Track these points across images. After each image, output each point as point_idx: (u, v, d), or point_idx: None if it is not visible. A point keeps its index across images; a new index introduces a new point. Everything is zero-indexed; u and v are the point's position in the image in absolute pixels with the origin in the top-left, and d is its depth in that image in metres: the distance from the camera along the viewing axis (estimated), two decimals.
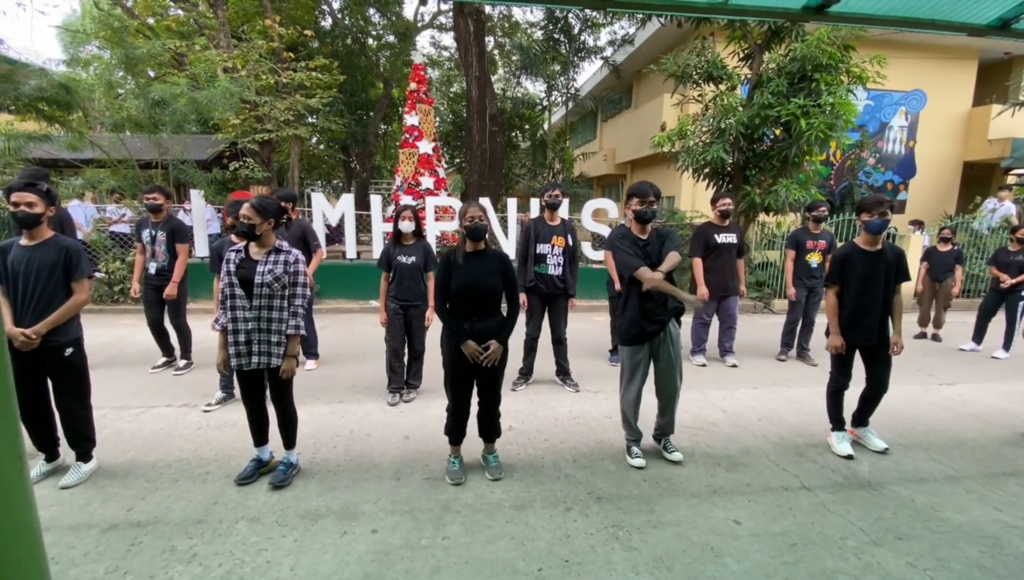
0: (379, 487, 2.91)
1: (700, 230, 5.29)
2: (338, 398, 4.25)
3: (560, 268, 4.36)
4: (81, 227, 8.54)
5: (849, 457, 3.36)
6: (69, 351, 2.82)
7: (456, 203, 8.67)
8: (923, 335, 6.81)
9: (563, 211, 8.18)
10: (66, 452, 3.01)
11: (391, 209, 9.99)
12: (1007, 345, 5.96)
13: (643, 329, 3.05)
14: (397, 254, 4.04)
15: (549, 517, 2.65)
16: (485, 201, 8.15)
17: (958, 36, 2.62)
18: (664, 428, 3.34)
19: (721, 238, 5.14)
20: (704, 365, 5.31)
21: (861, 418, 3.55)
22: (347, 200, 8.17)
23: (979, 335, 6.18)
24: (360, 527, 2.54)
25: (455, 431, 3.04)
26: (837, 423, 3.52)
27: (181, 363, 4.90)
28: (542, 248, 4.35)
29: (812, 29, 7.42)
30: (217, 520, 2.57)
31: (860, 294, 3.28)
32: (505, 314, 3.00)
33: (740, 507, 2.78)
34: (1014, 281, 5.82)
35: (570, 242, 4.39)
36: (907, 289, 7.70)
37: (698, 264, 5.16)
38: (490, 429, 3.10)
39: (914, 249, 8.28)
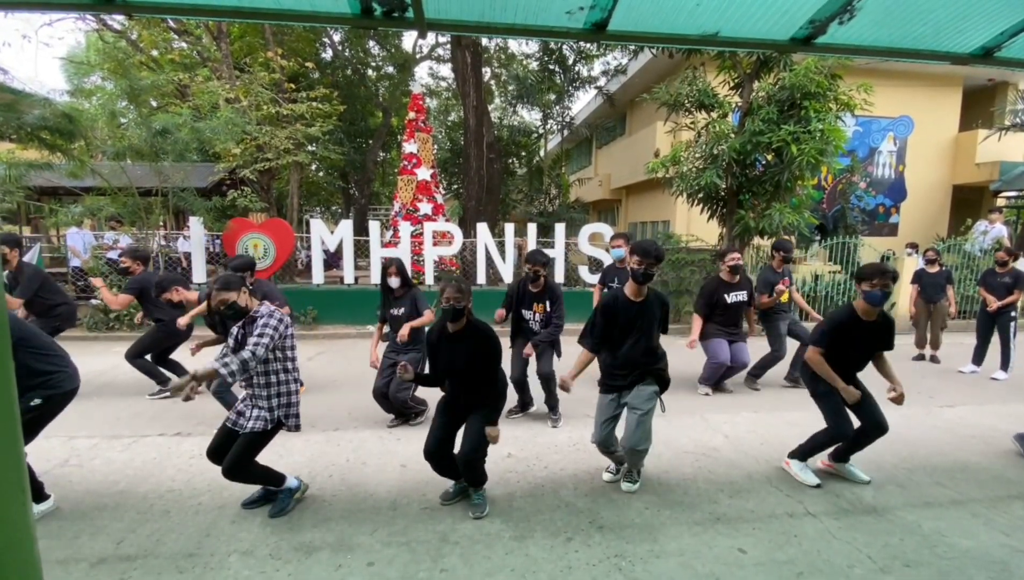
0: (375, 518, 2.85)
1: (709, 288, 5.13)
2: (334, 426, 4.19)
3: (538, 325, 4.37)
4: (79, 254, 8.55)
5: (818, 486, 3.25)
6: (37, 402, 2.67)
7: (455, 229, 8.73)
8: (921, 357, 6.80)
9: (559, 236, 8.33)
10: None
11: (390, 234, 10.08)
12: (1005, 366, 5.96)
13: (610, 382, 3.12)
14: (389, 307, 4.16)
15: (550, 548, 2.59)
16: (481, 226, 8.23)
17: (942, 64, 2.70)
18: (628, 467, 3.24)
19: (732, 298, 5.00)
20: (708, 394, 5.16)
21: (846, 455, 3.38)
22: (345, 226, 8.23)
23: (978, 357, 6.18)
24: (356, 560, 2.48)
25: (440, 473, 3.00)
26: (804, 456, 3.36)
27: (156, 389, 4.89)
28: (525, 313, 4.36)
29: (800, 59, 7.64)
30: (209, 553, 2.50)
31: (847, 358, 3.17)
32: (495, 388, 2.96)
33: (744, 535, 2.73)
34: (1000, 303, 5.86)
35: (548, 308, 4.37)
36: (902, 310, 7.75)
37: (697, 322, 5.11)
38: (470, 476, 2.91)
39: (908, 271, 8.34)
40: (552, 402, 4.47)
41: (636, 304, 3.01)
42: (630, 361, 3.03)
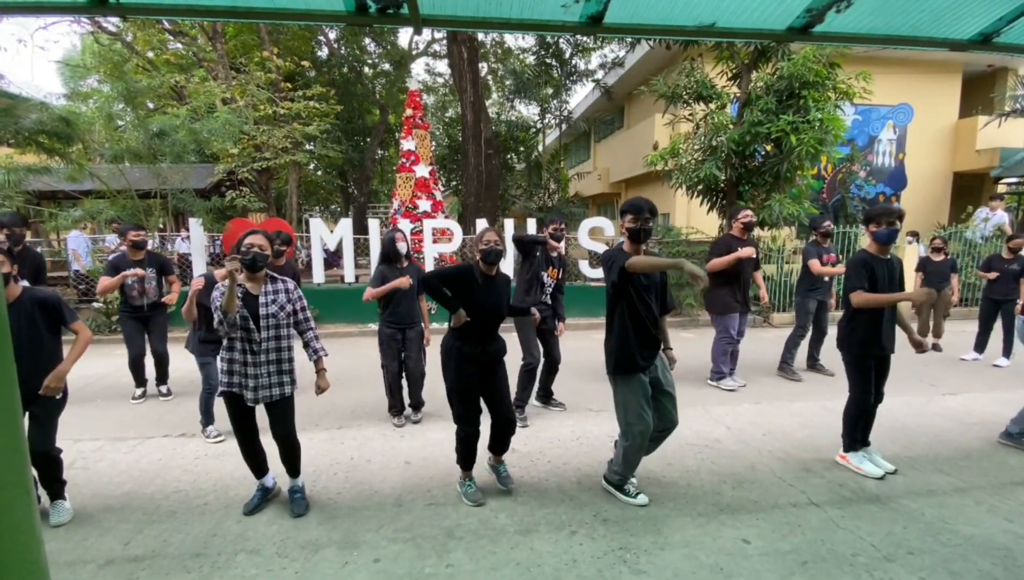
0: (381, 514, 2.86)
1: (723, 242, 5.05)
2: (337, 424, 4.20)
3: (549, 297, 4.34)
4: (79, 257, 8.56)
5: (882, 477, 3.21)
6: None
7: (454, 225, 8.73)
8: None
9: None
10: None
11: (388, 231, 10.07)
12: (1007, 353, 5.95)
13: (641, 353, 2.80)
14: (392, 277, 4.03)
15: (555, 541, 2.61)
16: (481, 222, 8.21)
17: (941, 51, 2.68)
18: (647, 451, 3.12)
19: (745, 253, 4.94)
20: (733, 389, 5.01)
21: (863, 437, 3.41)
22: (345, 225, 8.23)
23: (980, 345, 6.17)
24: (362, 556, 2.49)
25: (469, 455, 2.98)
26: (856, 441, 3.35)
27: (163, 389, 4.94)
28: (542, 275, 4.30)
29: (798, 48, 7.61)
30: (216, 553, 2.52)
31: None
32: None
33: (748, 525, 2.74)
34: (988, 275, 6.00)
35: (560, 275, 4.39)
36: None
37: (719, 263, 4.91)
38: (505, 443, 3.07)
39: (910, 260, 8.33)
40: (550, 390, 4.51)
41: None
42: (653, 324, 2.83)
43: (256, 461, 2.91)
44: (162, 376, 4.97)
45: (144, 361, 4.91)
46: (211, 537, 2.65)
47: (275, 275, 2.83)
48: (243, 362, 2.70)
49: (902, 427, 4.06)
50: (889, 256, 3.26)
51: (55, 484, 2.81)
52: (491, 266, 2.94)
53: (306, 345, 2.92)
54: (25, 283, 3.15)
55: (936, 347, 6.70)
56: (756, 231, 8.27)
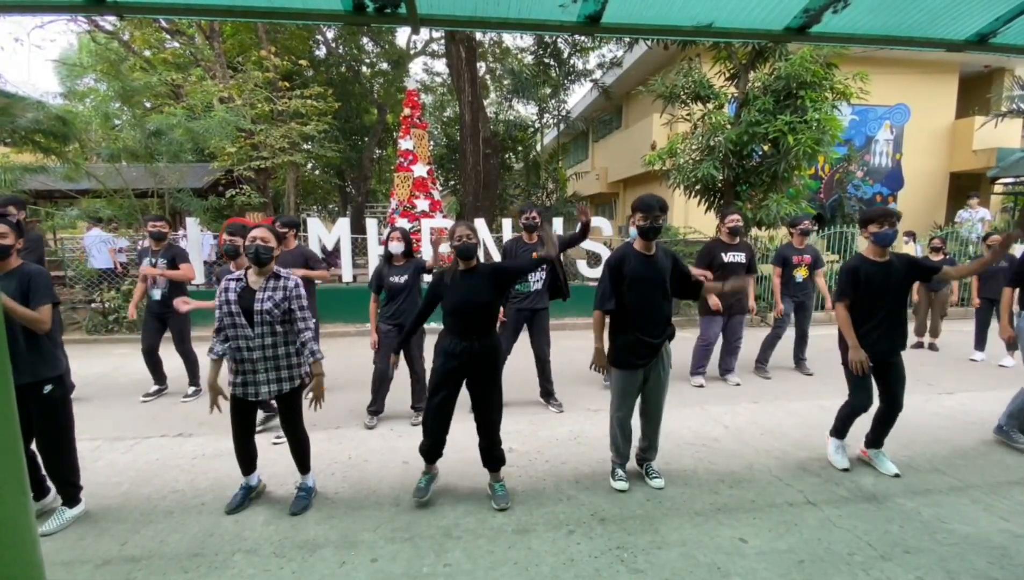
0: (379, 514, 2.86)
1: (707, 247, 5.12)
2: (335, 424, 4.20)
3: (540, 283, 4.33)
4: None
5: (846, 470, 3.30)
6: (48, 388, 2.66)
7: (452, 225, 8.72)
8: (920, 345, 6.81)
9: (557, 230, 8.32)
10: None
11: (387, 232, 10.08)
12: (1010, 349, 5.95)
13: (637, 355, 2.98)
14: (389, 275, 4.03)
15: (552, 541, 2.61)
16: (479, 221, 8.22)
17: (938, 52, 2.69)
18: (647, 452, 3.24)
19: (729, 257, 4.92)
20: (702, 386, 5.14)
21: (876, 440, 3.40)
22: (343, 224, 8.22)
23: (981, 343, 6.17)
24: (360, 556, 2.49)
25: (428, 451, 2.96)
26: (839, 433, 3.43)
27: (190, 390, 4.91)
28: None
29: (795, 48, 7.63)
30: (213, 552, 2.51)
31: (872, 307, 3.12)
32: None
33: (745, 524, 2.74)
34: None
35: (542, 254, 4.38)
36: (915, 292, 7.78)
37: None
38: (492, 457, 2.99)
39: None
40: (550, 389, 4.52)
41: (648, 256, 2.95)
42: (649, 328, 2.94)
43: (246, 459, 2.90)
44: (190, 377, 4.94)
45: (156, 358, 4.88)
46: (208, 537, 2.64)
47: (279, 272, 2.79)
48: (245, 359, 2.70)
49: (900, 426, 4.02)
50: (888, 257, 3.16)
51: (70, 488, 2.81)
52: (467, 261, 2.91)
53: (301, 345, 2.83)
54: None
55: (932, 347, 6.72)
56: (753, 230, 8.29)
